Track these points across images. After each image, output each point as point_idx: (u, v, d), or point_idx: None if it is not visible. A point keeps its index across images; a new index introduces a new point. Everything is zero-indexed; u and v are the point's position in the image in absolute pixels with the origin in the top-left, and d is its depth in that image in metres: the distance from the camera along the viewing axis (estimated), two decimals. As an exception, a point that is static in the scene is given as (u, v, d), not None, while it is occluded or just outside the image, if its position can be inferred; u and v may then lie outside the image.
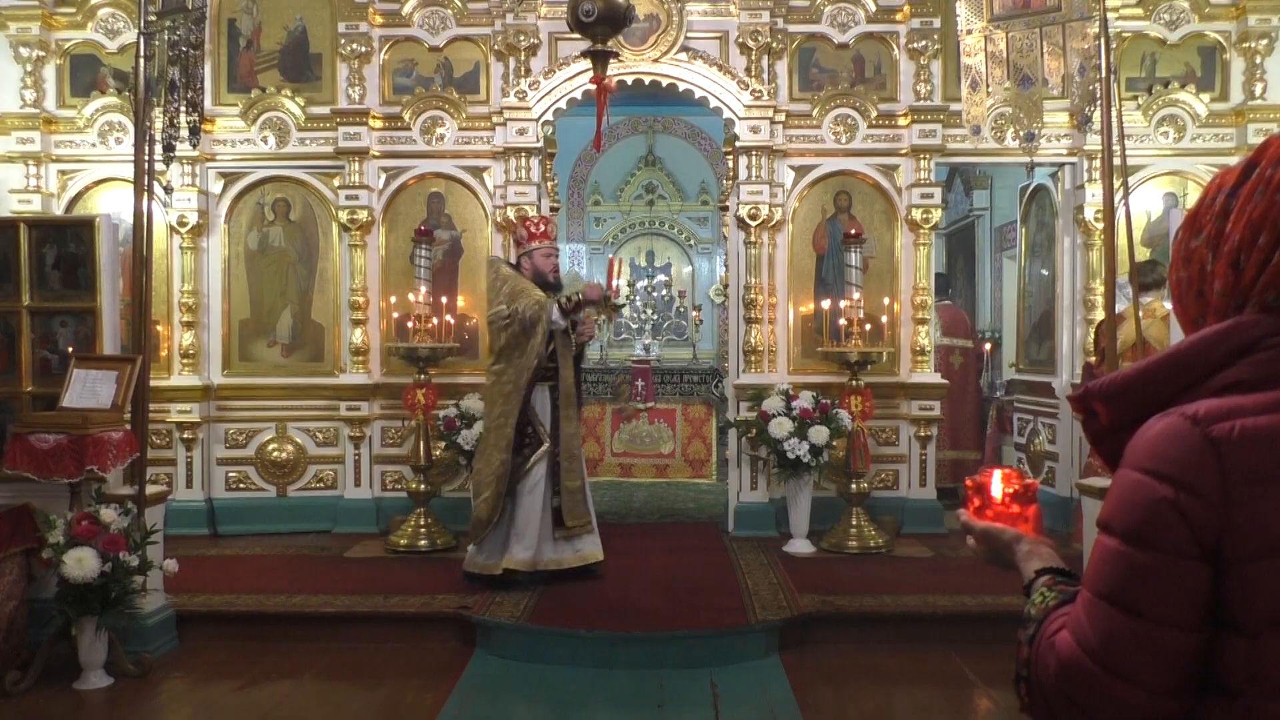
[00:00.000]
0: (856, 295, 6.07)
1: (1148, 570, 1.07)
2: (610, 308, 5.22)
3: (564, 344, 5.20)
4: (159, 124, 4.75)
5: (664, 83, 6.51)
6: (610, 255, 5.36)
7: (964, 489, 1.49)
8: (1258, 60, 6.49)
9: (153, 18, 4.65)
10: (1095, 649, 1.09)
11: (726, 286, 6.66)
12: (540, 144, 6.56)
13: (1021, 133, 4.78)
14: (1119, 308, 5.04)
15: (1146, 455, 1.09)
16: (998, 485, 1.44)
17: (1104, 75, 4.35)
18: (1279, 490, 1.02)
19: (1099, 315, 6.20)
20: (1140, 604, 1.07)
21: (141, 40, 4.63)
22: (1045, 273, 7.26)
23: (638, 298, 11.41)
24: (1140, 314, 4.86)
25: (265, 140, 6.66)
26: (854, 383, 6.09)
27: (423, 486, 6.18)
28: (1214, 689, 1.07)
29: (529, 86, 6.47)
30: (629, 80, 6.42)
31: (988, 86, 4.67)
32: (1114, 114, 4.39)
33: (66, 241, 4.85)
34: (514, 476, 5.09)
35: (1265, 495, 1.02)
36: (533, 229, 5.32)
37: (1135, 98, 6.50)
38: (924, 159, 6.59)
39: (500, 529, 5.11)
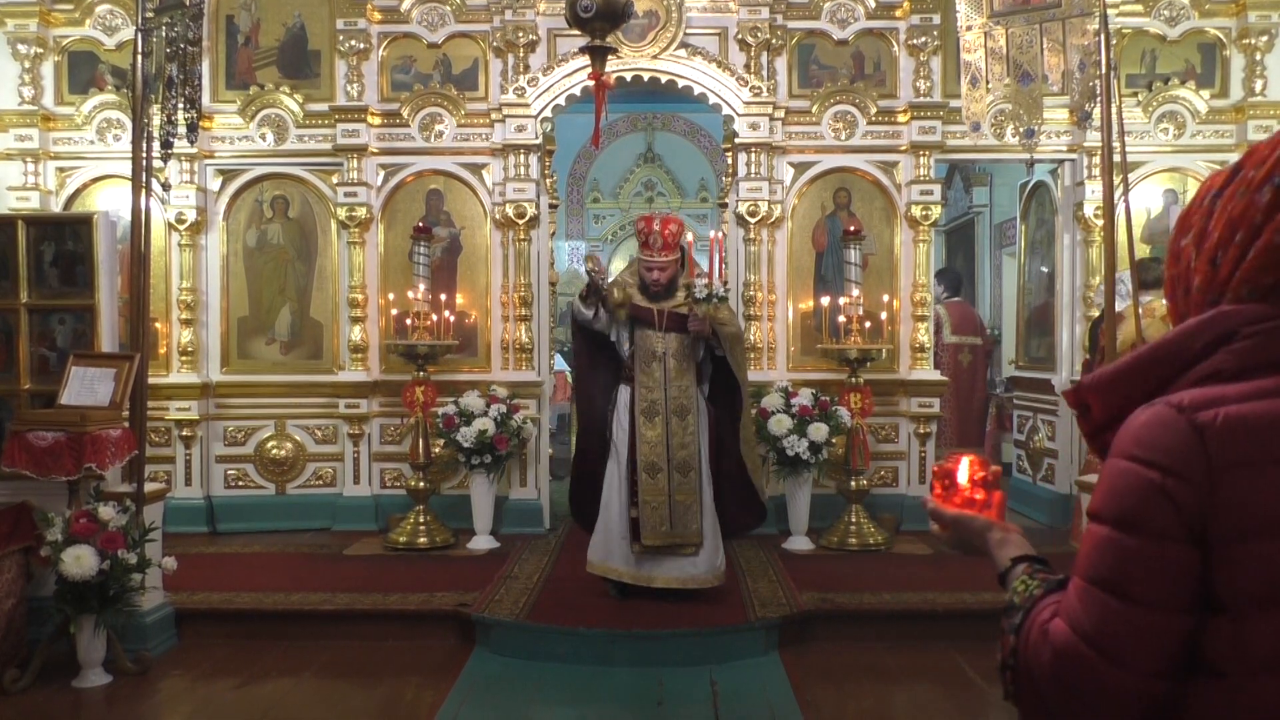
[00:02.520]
0: (856, 292, 6.06)
1: (1137, 554, 1.10)
2: (691, 299, 4.67)
3: (644, 345, 4.80)
4: (157, 121, 4.74)
5: (663, 79, 6.50)
6: (712, 235, 4.79)
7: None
8: (1258, 57, 6.49)
9: (150, 14, 4.63)
10: (1089, 634, 1.12)
11: (726, 283, 6.64)
12: (539, 141, 6.55)
13: (1021, 129, 4.77)
14: (1119, 306, 5.04)
15: (1133, 443, 1.13)
16: (964, 471, 1.47)
17: (1104, 71, 4.34)
18: (1261, 475, 1.06)
19: (1098, 312, 6.20)
20: (1131, 588, 1.10)
21: (139, 37, 4.61)
22: (1045, 270, 7.25)
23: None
24: (1140, 312, 4.86)
25: (264, 137, 6.65)
26: (853, 380, 6.08)
27: (422, 484, 6.18)
28: (1200, 670, 1.10)
29: (528, 83, 6.46)
30: (628, 77, 6.41)
31: (987, 83, 4.66)
32: (1114, 110, 4.39)
33: (64, 239, 4.83)
34: (597, 475, 4.93)
35: (1248, 479, 1.06)
36: (639, 238, 4.86)
37: (1135, 94, 6.50)
38: (923, 156, 6.58)
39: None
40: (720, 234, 4.78)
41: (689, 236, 4.85)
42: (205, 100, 6.00)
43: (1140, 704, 1.11)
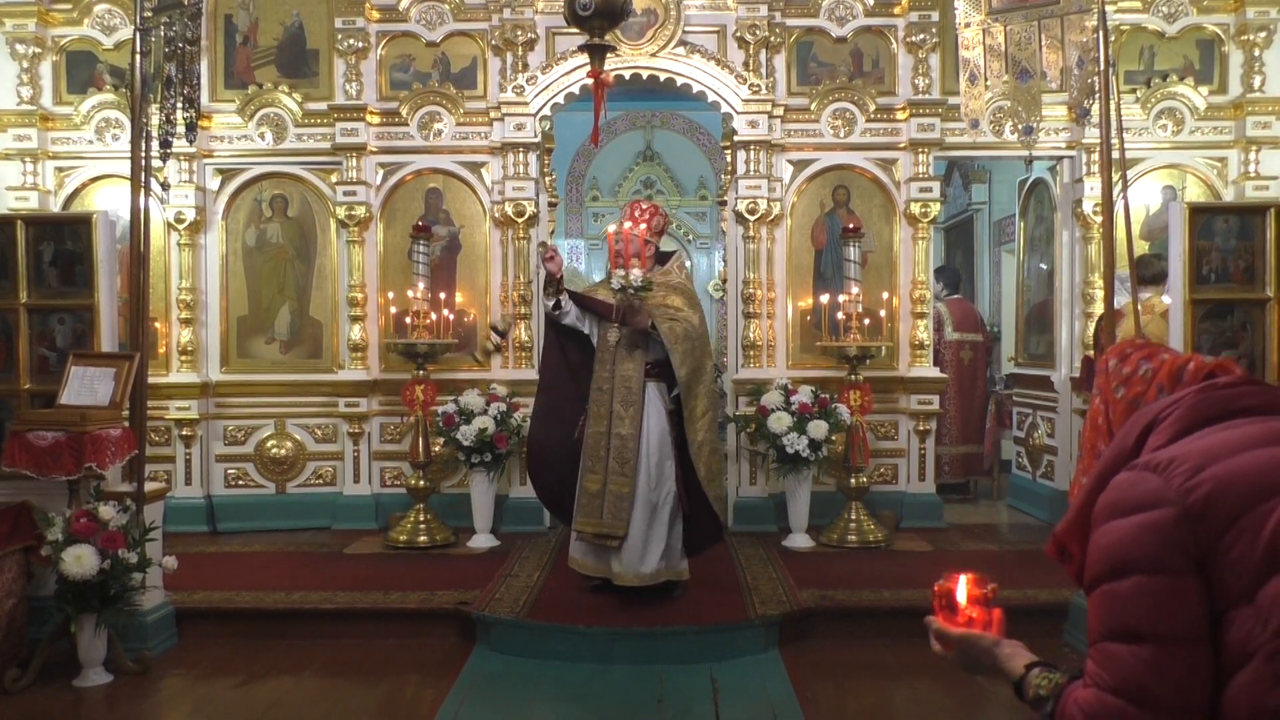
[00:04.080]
0: (855, 290, 6.06)
1: (1134, 593, 1.17)
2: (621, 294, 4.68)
3: (602, 339, 4.88)
4: (156, 120, 4.75)
5: (662, 77, 6.50)
6: (627, 228, 4.75)
7: (932, 594, 1.60)
8: (1256, 53, 6.49)
9: (149, 14, 4.63)
10: (1112, 685, 1.17)
11: (725, 281, 6.65)
12: (538, 139, 6.55)
13: (1020, 126, 4.77)
14: (1118, 302, 5.03)
15: (1104, 510, 1.27)
16: (963, 591, 1.53)
17: (1102, 68, 4.34)
18: (1222, 475, 1.18)
19: (1098, 309, 6.20)
20: (1139, 627, 1.16)
21: (138, 36, 4.61)
22: (1044, 266, 7.26)
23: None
24: (1139, 309, 4.85)
25: (262, 136, 6.65)
26: (853, 377, 6.08)
27: (422, 483, 6.18)
28: (1225, 679, 1.13)
29: (526, 81, 6.46)
30: (627, 75, 6.41)
31: (986, 80, 4.66)
32: (1112, 107, 4.38)
33: (64, 238, 4.83)
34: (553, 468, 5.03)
35: (1213, 482, 1.17)
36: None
37: (1134, 91, 6.50)
38: (922, 153, 6.58)
39: None
40: (633, 228, 4.74)
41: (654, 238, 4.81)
42: (204, 100, 6.00)
43: None
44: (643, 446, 4.72)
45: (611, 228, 4.82)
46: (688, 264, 11.45)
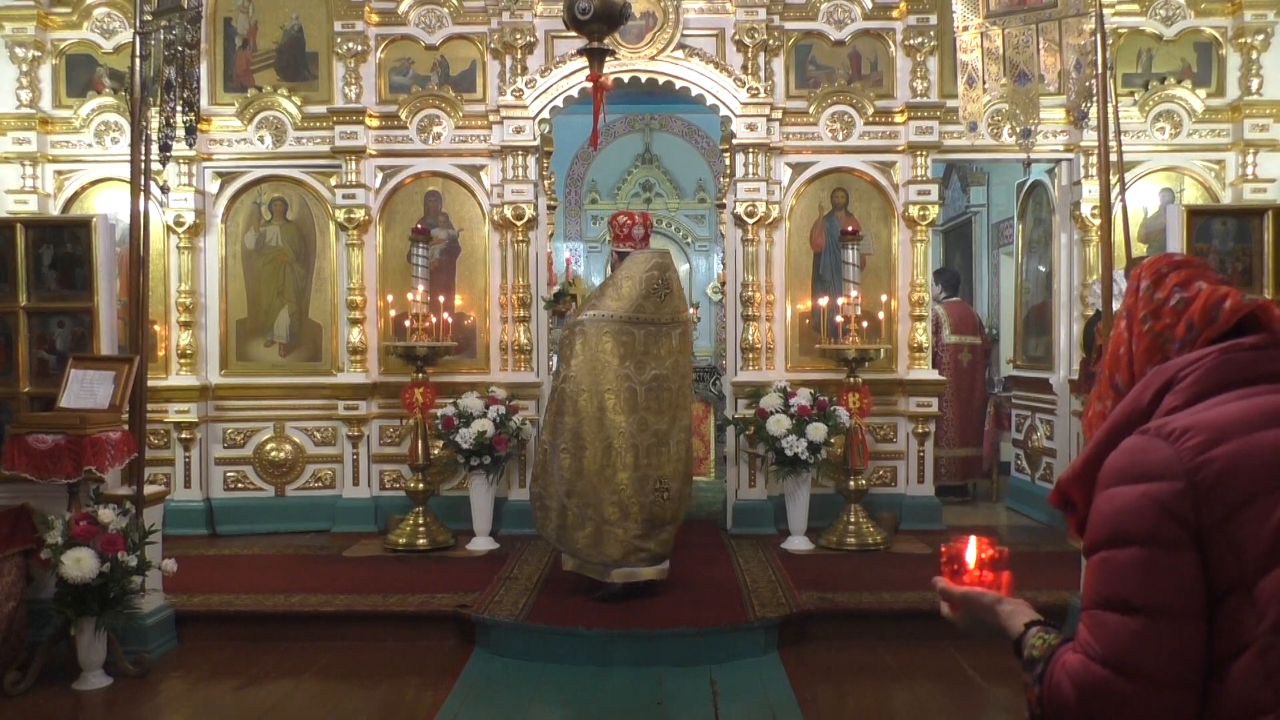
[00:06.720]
0: (854, 292, 6.07)
1: (1131, 565, 1.16)
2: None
3: None
4: (155, 124, 4.75)
5: (660, 80, 6.51)
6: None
7: (939, 554, 1.59)
8: (1254, 56, 6.50)
9: (148, 17, 4.64)
10: (1101, 654, 1.15)
11: (724, 284, 6.65)
12: (537, 142, 6.56)
13: (1018, 129, 4.78)
14: (1115, 305, 5.04)
15: (1110, 474, 1.25)
16: (972, 553, 1.52)
17: (1100, 71, 4.35)
18: (1236, 454, 1.15)
19: (1094, 312, 6.21)
20: (1132, 598, 1.14)
21: (137, 40, 4.62)
22: (1043, 269, 7.27)
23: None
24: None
25: (262, 140, 6.66)
26: (852, 380, 6.09)
27: (421, 485, 6.18)
28: (1222, 663, 1.12)
29: (525, 85, 6.47)
30: (625, 78, 6.42)
31: (984, 83, 4.67)
32: (1110, 110, 4.39)
33: (63, 242, 4.84)
34: None
35: (1225, 460, 1.15)
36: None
37: (1131, 93, 6.51)
38: (921, 156, 6.59)
39: None
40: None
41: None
42: (203, 103, 6.01)
43: (1162, 717, 1.13)
44: None
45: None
46: (680, 265, 11.43)
